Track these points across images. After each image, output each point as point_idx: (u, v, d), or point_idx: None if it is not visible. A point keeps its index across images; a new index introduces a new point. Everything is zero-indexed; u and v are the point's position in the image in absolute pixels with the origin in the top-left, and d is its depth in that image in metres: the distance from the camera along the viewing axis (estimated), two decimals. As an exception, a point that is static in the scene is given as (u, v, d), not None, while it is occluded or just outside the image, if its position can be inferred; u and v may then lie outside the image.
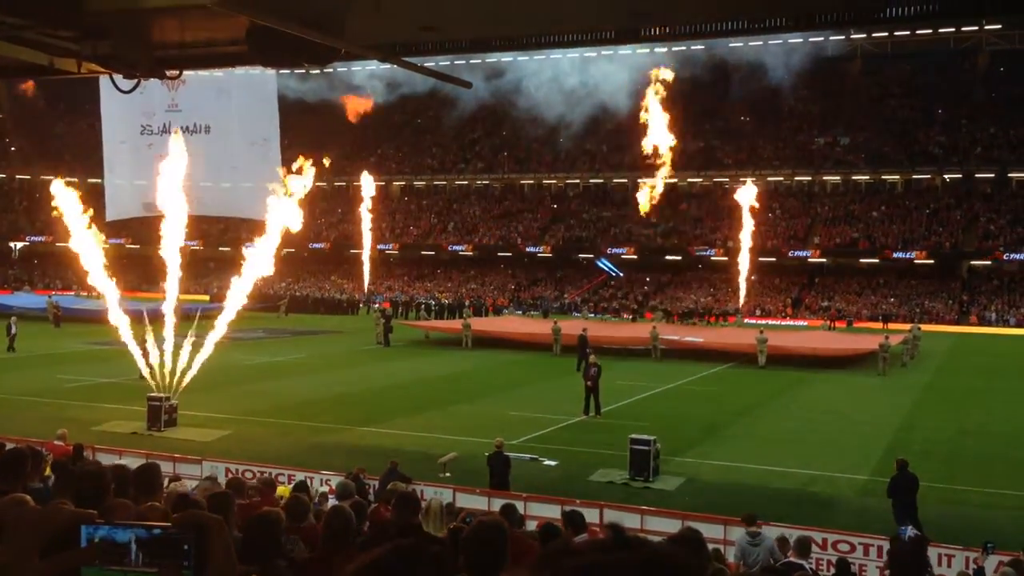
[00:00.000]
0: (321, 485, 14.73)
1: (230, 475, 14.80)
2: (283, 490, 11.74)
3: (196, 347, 22.32)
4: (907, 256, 65.86)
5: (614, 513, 13.99)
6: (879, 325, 56.29)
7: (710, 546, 9.82)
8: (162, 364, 22.33)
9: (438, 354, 39.80)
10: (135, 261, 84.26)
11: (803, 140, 76.57)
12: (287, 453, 19.02)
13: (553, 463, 19.09)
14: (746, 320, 59.29)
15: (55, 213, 22.23)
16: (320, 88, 76.97)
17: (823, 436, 23.06)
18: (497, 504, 13.79)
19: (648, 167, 57.00)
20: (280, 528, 4.92)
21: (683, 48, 71.87)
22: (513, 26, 5.80)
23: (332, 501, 10.85)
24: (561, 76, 71.01)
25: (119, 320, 22.55)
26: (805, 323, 59.56)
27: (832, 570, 11.57)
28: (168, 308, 22.28)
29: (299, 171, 21.62)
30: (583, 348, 32.19)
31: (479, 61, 71.95)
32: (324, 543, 5.29)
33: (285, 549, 5.02)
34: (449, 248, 79.78)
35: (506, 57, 71.63)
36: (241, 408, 24.54)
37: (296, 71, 75.09)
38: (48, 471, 8.47)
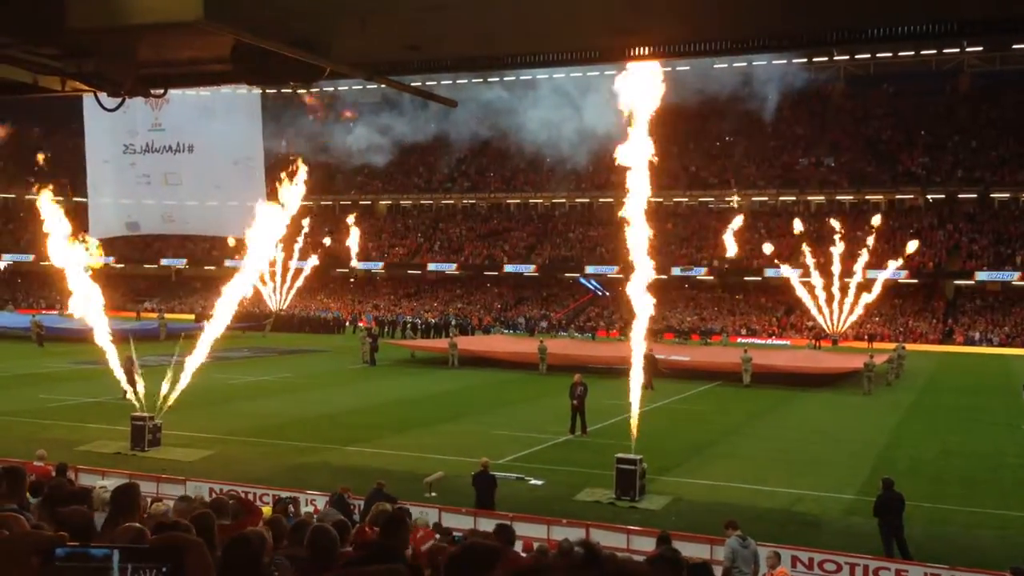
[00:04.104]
0: (306, 505, 14.65)
1: (214, 495, 14.67)
2: (266, 510, 11.65)
3: (179, 367, 22.13)
4: (892, 276, 66.16)
5: (600, 533, 13.94)
6: (864, 344, 56.52)
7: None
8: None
9: (424, 373, 39.70)
10: (119, 280, 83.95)
11: (787, 160, 77.04)
12: (272, 473, 18.90)
13: (539, 482, 19.03)
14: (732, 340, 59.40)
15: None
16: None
17: (809, 455, 23.09)
18: (482, 523, 13.74)
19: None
20: (261, 549, 4.85)
21: (668, 68, 72.36)
22: (498, 45, 5.81)
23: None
24: (547, 96, 71.33)
25: (105, 343, 22.24)
26: (788, 342, 59.75)
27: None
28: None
29: (292, 174, 21.25)
30: (650, 366, 32.97)
31: (465, 81, 72.29)
32: (309, 563, 5.23)
33: (267, 570, 4.96)
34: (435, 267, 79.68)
35: (492, 77, 71.92)
36: (226, 428, 24.40)
37: (284, 90, 75.27)
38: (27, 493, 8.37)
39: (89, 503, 6.79)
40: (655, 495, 17.94)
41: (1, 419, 24.89)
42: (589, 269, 73.06)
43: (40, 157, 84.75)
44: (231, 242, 21.62)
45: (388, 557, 5.14)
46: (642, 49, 5.56)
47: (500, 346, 48.06)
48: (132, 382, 22.60)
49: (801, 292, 59.52)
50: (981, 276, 64.56)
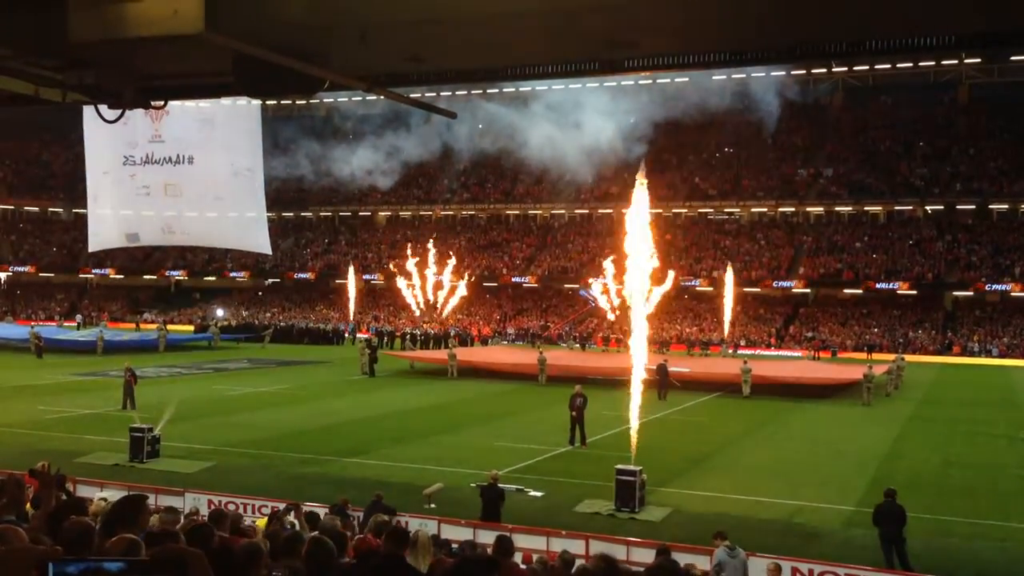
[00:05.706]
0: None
1: (212, 507, 14.63)
2: (260, 523, 11.62)
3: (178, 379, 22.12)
4: (890, 287, 66.21)
5: (600, 544, 13.91)
6: (863, 355, 56.48)
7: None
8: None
9: (424, 384, 39.65)
10: (119, 291, 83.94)
11: (786, 171, 77.13)
12: (271, 484, 18.85)
13: (538, 494, 18.99)
14: (731, 351, 59.30)
15: None
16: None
17: (808, 466, 23.04)
18: (482, 535, 13.72)
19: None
20: (255, 559, 4.84)
21: (667, 80, 72.64)
22: (498, 57, 5.84)
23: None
24: (547, 108, 71.44)
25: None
26: (798, 354, 59.70)
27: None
28: None
29: None
30: (664, 377, 34.25)
31: (465, 93, 72.45)
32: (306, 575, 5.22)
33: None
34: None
35: (492, 89, 72.09)
36: (225, 439, 24.35)
37: (283, 101, 75.44)
38: (28, 506, 8.35)
39: (84, 513, 6.77)
40: (655, 506, 17.91)
41: (0, 431, 24.85)
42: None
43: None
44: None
45: (399, 569, 5.12)
46: (641, 61, 5.58)
47: (499, 357, 48.02)
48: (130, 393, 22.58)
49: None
50: (980, 287, 64.53)
